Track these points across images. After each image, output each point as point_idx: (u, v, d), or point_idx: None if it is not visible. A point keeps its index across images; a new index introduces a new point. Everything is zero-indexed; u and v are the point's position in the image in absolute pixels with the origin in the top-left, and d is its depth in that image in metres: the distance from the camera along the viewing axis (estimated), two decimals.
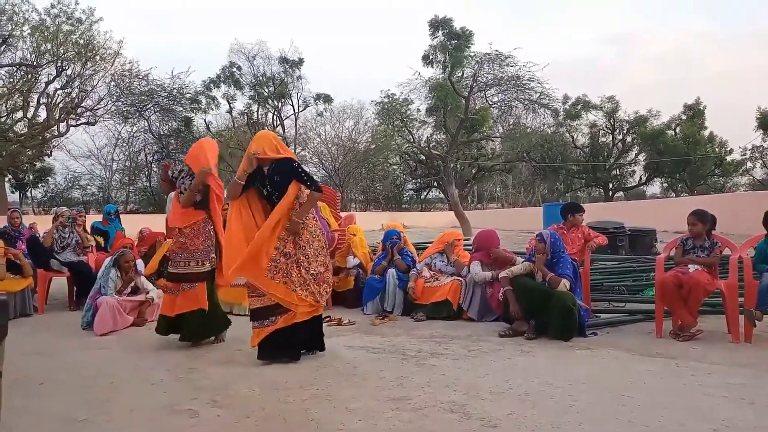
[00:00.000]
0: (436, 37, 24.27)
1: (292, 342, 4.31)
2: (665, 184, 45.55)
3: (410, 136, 33.15)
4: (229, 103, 31.59)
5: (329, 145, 42.32)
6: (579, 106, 39.10)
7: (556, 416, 3.09)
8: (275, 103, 32.49)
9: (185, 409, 3.29)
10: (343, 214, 8.30)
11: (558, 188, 45.98)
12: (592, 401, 3.33)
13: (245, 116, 32.78)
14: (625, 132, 40.87)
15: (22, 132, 25.17)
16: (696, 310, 4.85)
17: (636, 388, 3.56)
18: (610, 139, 41.51)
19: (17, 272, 6.41)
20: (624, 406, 3.24)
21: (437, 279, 6.17)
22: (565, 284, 4.93)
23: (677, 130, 39.98)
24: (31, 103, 25.62)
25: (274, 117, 33.70)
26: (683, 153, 36.73)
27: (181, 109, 30.31)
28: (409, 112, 32.11)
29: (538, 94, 27.51)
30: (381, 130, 35.74)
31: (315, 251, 4.33)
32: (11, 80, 24.83)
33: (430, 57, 24.78)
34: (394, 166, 45.30)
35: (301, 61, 31.32)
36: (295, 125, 35.27)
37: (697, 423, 2.98)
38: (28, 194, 40.59)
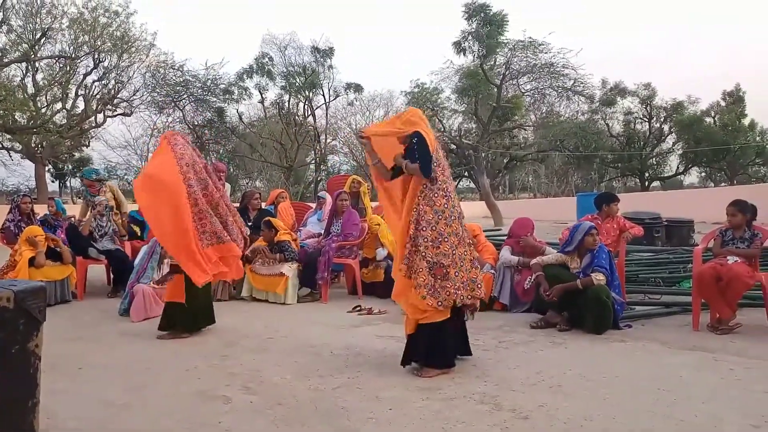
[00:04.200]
0: (470, 23, 23.83)
1: (438, 347, 3.74)
2: (703, 174, 44.35)
3: (441, 125, 32.91)
4: (261, 94, 31.78)
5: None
6: (614, 92, 38.15)
7: (589, 409, 3.05)
8: (306, 93, 32.55)
9: (219, 396, 3.34)
10: (373, 204, 8.30)
11: (592, 178, 45.13)
12: (627, 394, 3.28)
13: (277, 106, 32.94)
14: (662, 120, 39.79)
15: (61, 123, 25.73)
16: (735, 302, 4.74)
17: (672, 381, 3.49)
18: (647, 127, 40.48)
19: (56, 259, 6.59)
20: (659, 399, 3.18)
21: None
22: (598, 278, 4.82)
23: (716, 118, 38.80)
24: (69, 95, 26.19)
25: (305, 107, 33.82)
26: (722, 141, 35.62)
27: (215, 99, 30.63)
28: (439, 100, 31.84)
29: (572, 81, 26.95)
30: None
31: (437, 235, 3.61)
32: (51, 72, 25.43)
33: (462, 44, 24.38)
34: None
35: (331, 51, 31.24)
36: (326, 115, 35.34)
37: (735, 418, 2.91)
38: (67, 183, 41.77)
